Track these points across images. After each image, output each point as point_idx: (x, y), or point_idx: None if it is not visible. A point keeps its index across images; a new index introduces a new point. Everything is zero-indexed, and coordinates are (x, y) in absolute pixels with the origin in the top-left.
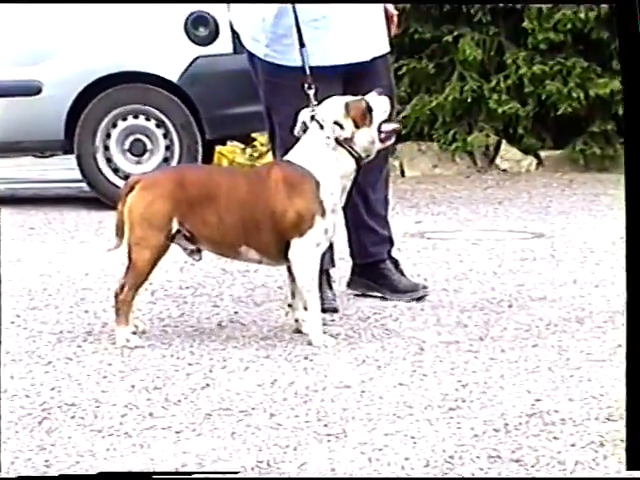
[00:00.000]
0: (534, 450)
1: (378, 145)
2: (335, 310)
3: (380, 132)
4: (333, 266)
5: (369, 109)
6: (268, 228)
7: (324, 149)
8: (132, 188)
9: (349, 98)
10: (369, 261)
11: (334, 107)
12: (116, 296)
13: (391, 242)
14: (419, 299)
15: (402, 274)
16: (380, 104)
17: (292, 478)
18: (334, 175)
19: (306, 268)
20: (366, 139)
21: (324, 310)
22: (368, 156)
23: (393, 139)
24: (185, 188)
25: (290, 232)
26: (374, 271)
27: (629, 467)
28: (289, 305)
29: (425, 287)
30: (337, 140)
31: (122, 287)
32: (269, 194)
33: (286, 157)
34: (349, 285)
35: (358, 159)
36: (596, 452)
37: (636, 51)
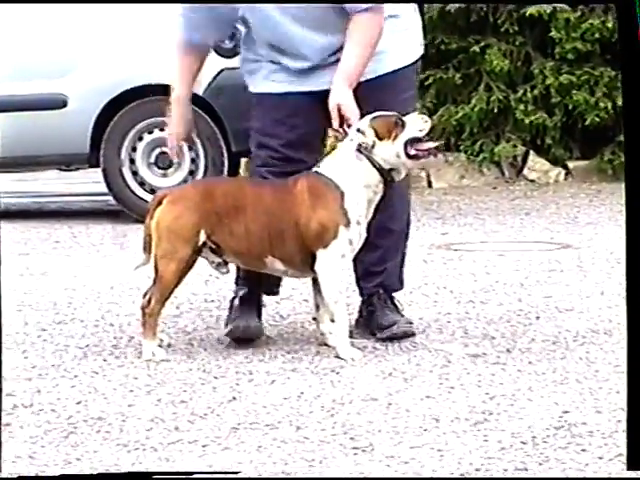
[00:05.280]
0: (562, 463)
1: (405, 161)
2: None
3: (408, 148)
4: None
5: (397, 123)
6: (293, 239)
7: (350, 159)
8: (160, 202)
9: (386, 112)
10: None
11: (363, 118)
12: (143, 309)
13: (384, 275)
14: (398, 338)
15: (394, 309)
16: (414, 121)
17: (294, 478)
18: (358, 185)
19: (332, 280)
20: (388, 152)
21: None
22: (394, 170)
23: (427, 159)
24: (212, 200)
25: (314, 243)
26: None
27: (630, 467)
28: (314, 318)
29: (410, 323)
30: (359, 149)
31: (149, 300)
32: (293, 204)
33: (314, 169)
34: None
35: (381, 171)
36: (624, 464)
37: (636, 51)
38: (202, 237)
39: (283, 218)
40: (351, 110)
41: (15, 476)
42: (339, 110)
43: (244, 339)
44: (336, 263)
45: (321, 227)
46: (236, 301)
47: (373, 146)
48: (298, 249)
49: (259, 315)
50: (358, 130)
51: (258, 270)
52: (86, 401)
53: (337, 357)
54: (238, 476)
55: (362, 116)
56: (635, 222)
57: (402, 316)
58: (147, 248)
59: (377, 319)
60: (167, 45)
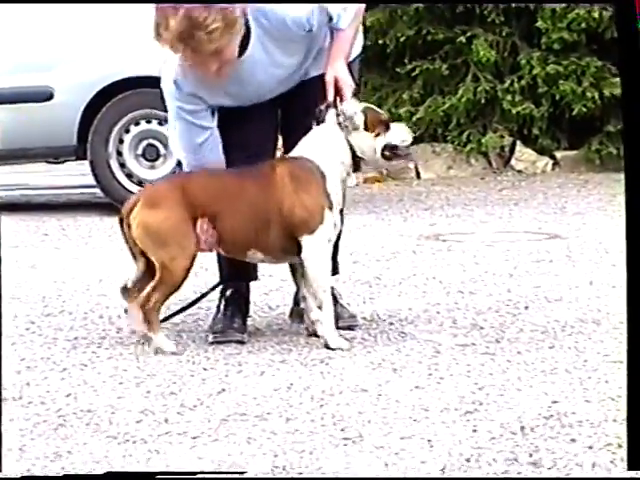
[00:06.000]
0: (551, 452)
1: (379, 158)
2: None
3: (387, 150)
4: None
5: (384, 123)
6: (277, 227)
7: (328, 134)
8: (132, 209)
9: (378, 109)
10: None
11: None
12: (142, 306)
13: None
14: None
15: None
16: (400, 130)
17: (296, 478)
18: (337, 163)
19: (320, 266)
20: (367, 143)
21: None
22: (363, 160)
23: (398, 163)
24: (192, 194)
25: (300, 229)
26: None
27: (630, 467)
28: (291, 314)
29: (354, 316)
30: (341, 125)
31: (147, 297)
32: (275, 191)
33: (290, 154)
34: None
35: (355, 158)
36: (614, 454)
37: (636, 51)
38: (198, 224)
39: (266, 208)
40: (348, 84)
41: (16, 476)
42: (336, 83)
43: (225, 341)
44: (323, 248)
45: (307, 212)
46: (222, 302)
47: (356, 129)
48: (281, 237)
49: (245, 315)
50: (349, 110)
51: (239, 259)
52: (75, 393)
53: (326, 347)
54: (241, 476)
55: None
56: (635, 216)
57: (342, 307)
58: (136, 256)
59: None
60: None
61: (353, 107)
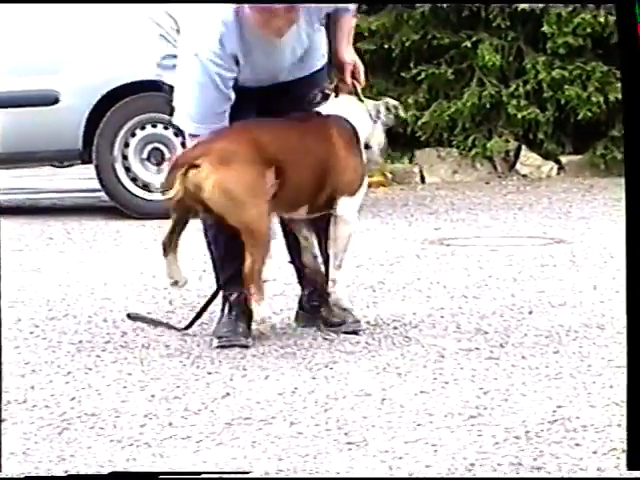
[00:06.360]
0: (556, 457)
1: (375, 152)
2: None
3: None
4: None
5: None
6: (328, 185)
7: (359, 108)
8: (192, 166)
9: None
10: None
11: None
12: (249, 282)
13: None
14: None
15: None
16: (380, 133)
17: (299, 478)
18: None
19: (351, 227)
20: (380, 135)
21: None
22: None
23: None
24: (262, 145)
25: (345, 190)
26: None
27: (630, 467)
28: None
29: (358, 321)
30: (377, 114)
31: (251, 271)
32: (332, 149)
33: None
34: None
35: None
36: (618, 459)
37: (636, 52)
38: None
39: (327, 165)
40: (361, 66)
41: (18, 476)
42: (353, 66)
43: (230, 346)
44: (356, 211)
45: (355, 175)
46: (226, 306)
47: (379, 119)
48: (327, 194)
49: (249, 319)
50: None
51: (281, 216)
52: (79, 397)
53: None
54: (245, 476)
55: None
56: (635, 219)
57: (344, 310)
58: (179, 224)
59: (325, 315)
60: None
61: (392, 101)
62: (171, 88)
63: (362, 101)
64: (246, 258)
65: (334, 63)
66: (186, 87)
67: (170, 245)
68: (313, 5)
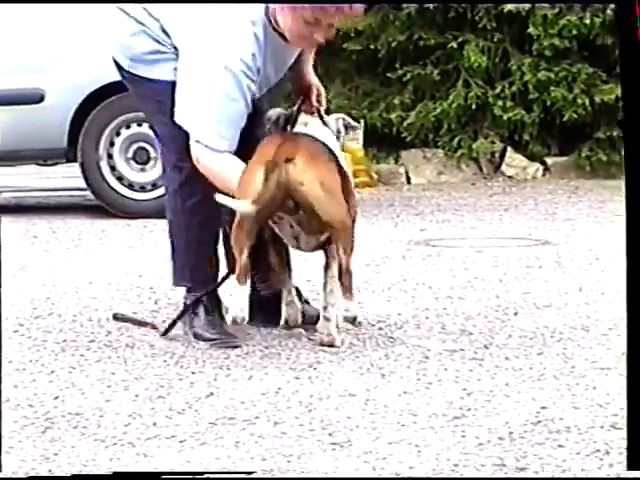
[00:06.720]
0: (539, 458)
1: None
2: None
3: None
4: None
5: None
6: None
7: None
8: (287, 160)
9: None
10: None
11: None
12: (340, 277)
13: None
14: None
15: (306, 302)
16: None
17: (301, 478)
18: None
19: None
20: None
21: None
22: None
23: None
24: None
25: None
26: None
27: (630, 467)
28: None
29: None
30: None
31: (347, 267)
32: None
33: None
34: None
35: None
36: (601, 460)
37: (636, 54)
38: None
39: (345, 187)
40: (322, 90)
41: (22, 476)
42: (317, 89)
43: (225, 347)
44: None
45: (354, 197)
46: (200, 308)
47: (351, 140)
48: None
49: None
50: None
51: (287, 238)
52: (63, 396)
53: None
54: (249, 477)
55: None
56: (635, 219)
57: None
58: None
59: (307, 311)
60: None
61: (351, 121)
62: (149, 80)
63: (325, 124)
64: (334, 254)
65: (297, 85)
66: (213, 101)
67: (247, 271)
68: (308, 5)
